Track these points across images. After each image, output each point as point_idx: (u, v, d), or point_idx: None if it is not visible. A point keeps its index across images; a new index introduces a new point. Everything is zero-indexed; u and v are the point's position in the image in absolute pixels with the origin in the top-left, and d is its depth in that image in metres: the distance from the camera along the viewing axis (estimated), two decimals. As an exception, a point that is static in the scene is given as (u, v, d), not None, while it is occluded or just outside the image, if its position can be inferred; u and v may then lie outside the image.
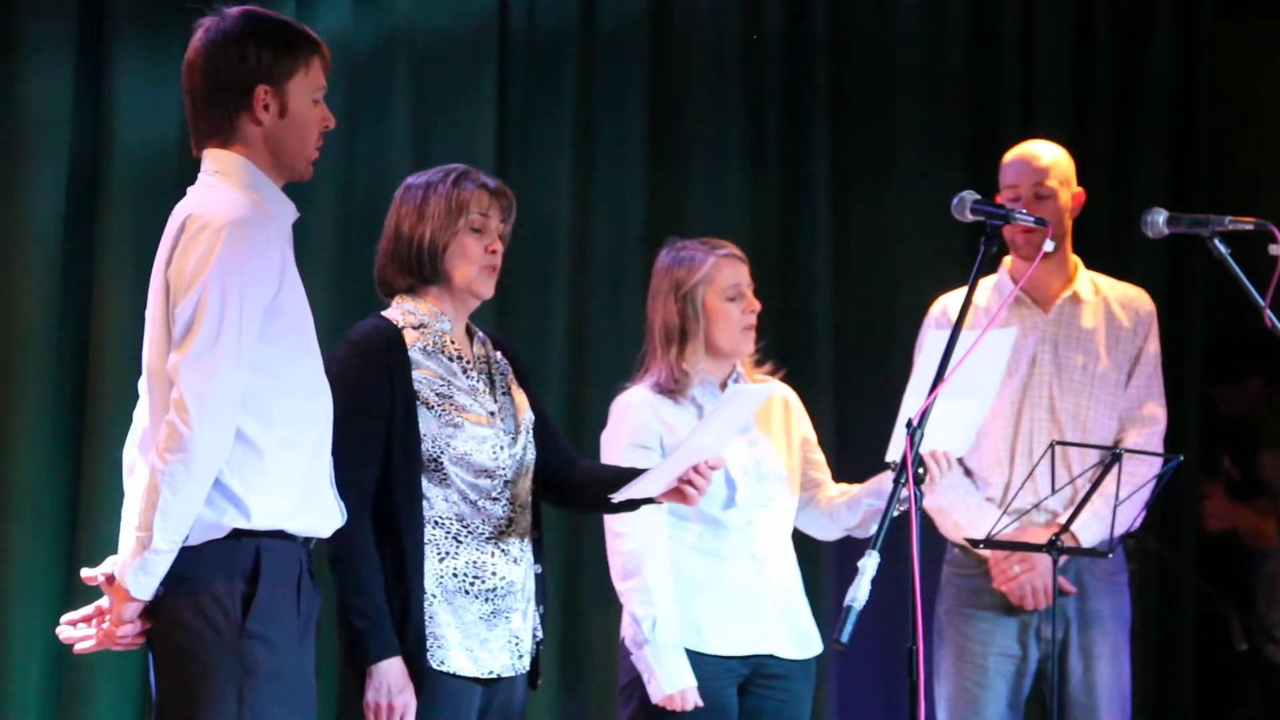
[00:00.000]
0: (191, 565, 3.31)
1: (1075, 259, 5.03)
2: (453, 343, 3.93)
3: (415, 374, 3.85)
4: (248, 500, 3.33)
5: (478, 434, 3.87)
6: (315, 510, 3.45)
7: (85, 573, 3.44)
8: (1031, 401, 4.90)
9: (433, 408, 3.84)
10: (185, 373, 3.27)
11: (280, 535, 3.38)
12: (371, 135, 5.88)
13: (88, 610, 3.44)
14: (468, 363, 3.93)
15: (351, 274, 5.75)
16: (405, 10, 5.93)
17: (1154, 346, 4.98)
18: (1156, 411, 4.97)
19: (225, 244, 3.30)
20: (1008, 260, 5.02)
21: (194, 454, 3.25)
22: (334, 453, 3.53)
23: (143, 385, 3.47)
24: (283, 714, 3.34)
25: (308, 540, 3.45)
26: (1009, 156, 5.01)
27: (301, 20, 3.73)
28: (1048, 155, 4.96)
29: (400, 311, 3.93)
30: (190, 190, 3.46)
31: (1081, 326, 4.95)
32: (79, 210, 5.66)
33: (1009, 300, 4.89)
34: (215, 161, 3.45)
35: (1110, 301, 4.99)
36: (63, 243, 5.63)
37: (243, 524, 3.33)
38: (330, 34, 3.71)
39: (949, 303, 4.98)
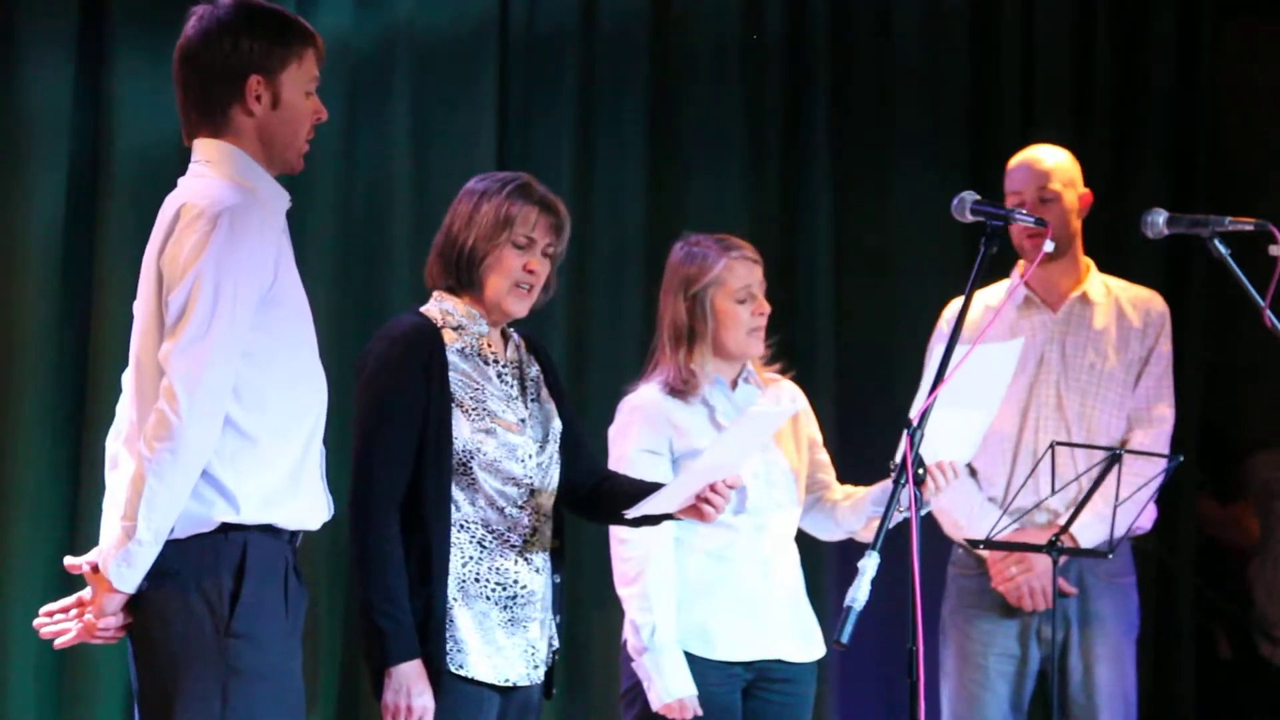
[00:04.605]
0: (178, 560, 3.27)
1: (1087, 260, 5.04)
2: (489, 346, 3.91)
3: (451, 375, 3.82)
4: (237, 491, 3.29)
5: (509, 441, 3.85)
6: (305, 502, 3.41)
7: (69, 561, 3.39)
8: (1038, 401, 4.91)
9: (467, 411, 3.81)
10: (176, 361, 3.24)
11: (268, 530, 3.34)
12: (371, 135, 5.88)
13: (68, 601, 3.41)
14: (503, 367, 3.91)
15: (352, 273, 5.75)
16: (405, 10, 5.93)
17: (1166, 347, 4.99)
18: (1165, 412, 4.98)
19: (219, 232, 3.26)
20: (1021, 262, 5.01)
21: (182, 443, 3.21)
22: (367, 450, 3.50)
23: (127, 377, 3.44)
24: (267, 715, 3.29)
25: (294, 537, 3.41)
26: (1013, 162, 5.01)
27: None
28: (1051, 159, 4.97)
29: (439, 310, 3.90)
30: (181, 181, 3.43)
31: (1091, 327, 4.95)
32: (79, 210, 5.66)
33: (1011, 298, 4.88)
34: (205, 151, 3.42)
35: (1122, 302, 4.99)
36: (63, 243, 5.63)
37: (231, 517, 3.29)
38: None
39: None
